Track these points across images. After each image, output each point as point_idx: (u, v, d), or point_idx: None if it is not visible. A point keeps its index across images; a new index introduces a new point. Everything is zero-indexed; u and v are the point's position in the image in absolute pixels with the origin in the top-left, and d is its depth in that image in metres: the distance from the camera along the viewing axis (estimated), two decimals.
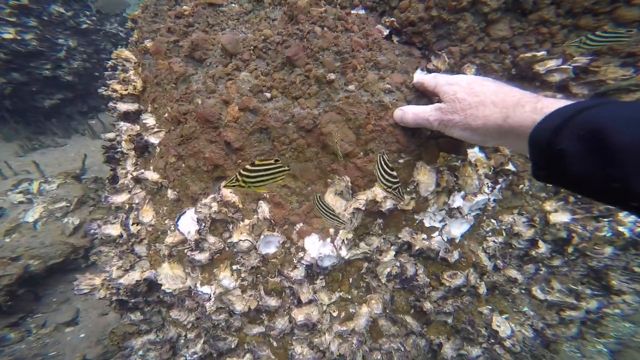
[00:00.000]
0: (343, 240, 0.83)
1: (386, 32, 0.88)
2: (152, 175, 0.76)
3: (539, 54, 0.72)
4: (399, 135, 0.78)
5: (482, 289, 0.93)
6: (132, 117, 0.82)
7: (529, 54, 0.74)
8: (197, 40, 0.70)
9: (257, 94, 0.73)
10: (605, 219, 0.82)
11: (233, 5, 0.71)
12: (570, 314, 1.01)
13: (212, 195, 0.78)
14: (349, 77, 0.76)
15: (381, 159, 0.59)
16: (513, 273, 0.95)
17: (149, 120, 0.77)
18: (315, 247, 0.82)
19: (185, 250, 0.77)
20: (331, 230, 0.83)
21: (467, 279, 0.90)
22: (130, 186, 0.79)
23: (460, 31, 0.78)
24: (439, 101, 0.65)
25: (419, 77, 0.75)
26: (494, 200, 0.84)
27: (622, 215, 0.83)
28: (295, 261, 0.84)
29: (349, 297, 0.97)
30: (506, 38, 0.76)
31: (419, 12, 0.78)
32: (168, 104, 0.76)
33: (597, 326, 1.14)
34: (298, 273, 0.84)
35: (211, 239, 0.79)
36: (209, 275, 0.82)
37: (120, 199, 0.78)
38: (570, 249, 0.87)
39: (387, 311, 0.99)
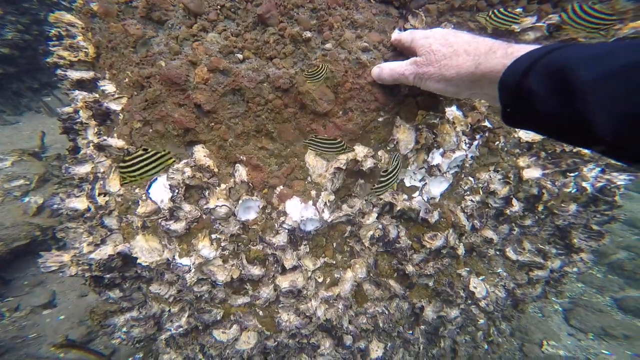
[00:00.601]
0: (325, 202, 0.83)
1: None
2: (116, 142, 0.71)
3: (517, 11, 0.72)
4: (378, 94, 0.77)
5: (461, 250, 0.97)
6: (87, 85, 0.75)
7: (504, 12, 0.74)
8: (153, 0, 0.64)
9: (227, 55, 0.69)
10: (571, 174, 0.87)
11: None
12: (537, 274, 1.09)
13: (184, 160, 0.74)
14: (326, 36, 0.73)
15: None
16: (489, 233, 0.99)
17: (108, 86, 0.71)
18: (297, 211, 0.81)
19: (160, 220, 0.74)
20: (313, 193, 0.83)
21: (447, 240, 0.94)
22: (94, 155, 0.74)
23: None
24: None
25: (397, 34, 0.74)
26: (472, 157, 0.86)
27: (585, 169, 0.89)
28: (277, 226, 0.83)
29: (334, 262, 0.99)
30: None
31: None
32: (128, 68, 0.71)
33: (558, 285, 1.24)
34: (280, 239, 0.84)
35: (186, 206, 0.76)
36: (187, 245, 0.80)
37: (83, 169, 0.73)
38: (540, 207, 0.92)
39: (371, 275, 1.02)
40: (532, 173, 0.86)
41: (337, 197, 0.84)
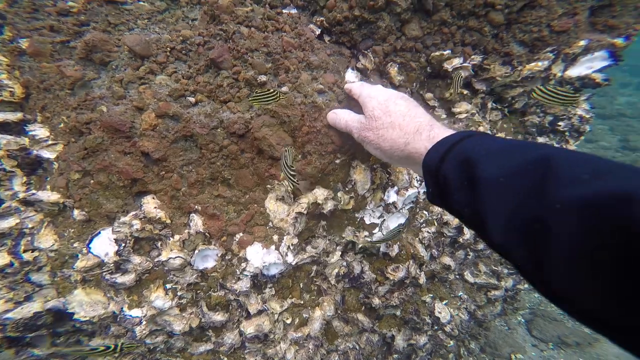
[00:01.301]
0: (289, 246, 0.82)
1: (318, 31, 0.90)
2: (49, 195, 0.64)
3: (445, 52, 0.82)
4: (334, 136, 0.80)
5: (422, 279, 1.01)
6: (14, 128, 0.68)
7: (437, 53, 0.83)
8: (93, 41, 0.61)
9: (178, 99, 0.67)
10: None
11: (142, 3, 0.64)
12: (495, 293, 1.16)
13: (133, 213, 0.69)
14: (282, 79, 0.76)
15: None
16: (447, 260, 1.05)
17: (39, 131, 0.65)
18: (259, 256, 0.79)
19: (104, 274, 0.68)
20: (275, 237, 0.81)
21: (409, 271, 0.98)
22: (21, 209, 0.66)
23: (381, 30, 0.84)
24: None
25: (348, 84, 0.78)
26: (424, 192, 0.92)
27: None
28: (238, 272, 0.80)
29: (301, 302, 0.97)
30: (418, 37, 0.85)
31: (343, 12, 0.82)
32: (63, 112, 0.66)
33: (514, 301, 1.33)
34: (243, 284, 0.81)
35: (136, 259, 0.71)
36: (137, 297, 0.74)
37: (5, 224, 0.64)
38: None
39: (339, 312, 1.02)
40: None
41: (300, 239, 0.84)
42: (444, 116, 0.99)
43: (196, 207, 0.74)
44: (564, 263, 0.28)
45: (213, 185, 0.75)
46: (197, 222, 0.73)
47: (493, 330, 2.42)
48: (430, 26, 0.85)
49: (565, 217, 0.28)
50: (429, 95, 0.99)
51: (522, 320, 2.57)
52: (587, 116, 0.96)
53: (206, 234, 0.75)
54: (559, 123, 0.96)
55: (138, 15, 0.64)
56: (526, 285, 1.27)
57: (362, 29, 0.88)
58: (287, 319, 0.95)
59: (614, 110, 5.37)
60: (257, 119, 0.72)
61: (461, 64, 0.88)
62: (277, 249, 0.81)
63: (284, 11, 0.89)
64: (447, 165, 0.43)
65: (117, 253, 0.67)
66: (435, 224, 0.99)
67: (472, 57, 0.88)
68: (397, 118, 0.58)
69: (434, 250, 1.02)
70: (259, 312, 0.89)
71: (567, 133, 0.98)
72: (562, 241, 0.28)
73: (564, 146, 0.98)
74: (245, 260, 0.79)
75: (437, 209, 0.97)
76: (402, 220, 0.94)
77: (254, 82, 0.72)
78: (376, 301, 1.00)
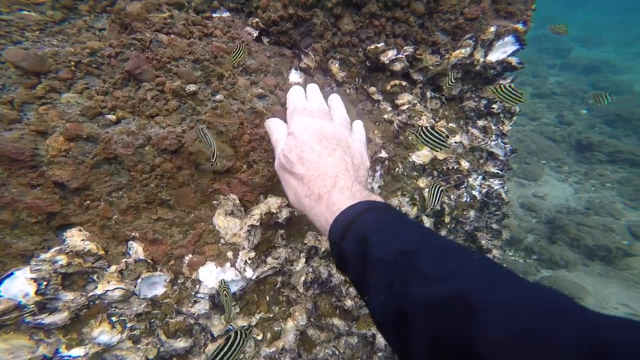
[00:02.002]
0: (245, 260, 0.78)
1: (255, 33, 0.88)
2: None
3: (379, 45, 0.84)
4: None
5: None
6: None
7: (372, 46, 0.85)
8: None
9: (94, 118, 0.61)
10: (462, 186, 1.02)
11: (27, 13, 0.58)
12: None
13: (56, 248, 0.61)
14: (215, 86, 0.72)
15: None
16: None
17: None
18: (213, 276, 0.75)
19: (25, 316, 0.59)
20: (229, 254, 0.77)
21: None
22: None
23: (317, 27, 0.84)
24: None
25: (286, 96, 0.76)
26: (379, 187, 0.93)
27: (471, 180, 1.05)
28: (193, 295, 0.75)
29: (271, 315, 0.92)
30: (353, 32, 0.86)
31: (278, 11, 0.81)
32: None
33: None
34: (200, 307, 0.76)
35: (68, 295, 0.63)
36: (77, 335, 0.65)
37: None
38: (447, 219, 1.03)
39: (312, 319, 0.99)
40: (440, 155, 0.97)
41: (258, 252, 0.80)
42: (389, 108, 1.02)
43: (133, 234, 0.67)
44: (423, 355, 0.30)
45: (150, 209, 0.69)
46: (136, 250, 0.67)
47: None
48: (362, 19, 0.87)
49: (418, 314, 0.31)
50: (372, 89, 1.01)
51: None
52: None
53: (148, 260, 0.68)
54: (493, 106, 1.03)
55: (23, 27, 0.57)
56: None
57: (300, 27, 0.87)
58: (258, 335, 0.90)
59: (547, 90, 6.01)
60: (190, 132, 0.67)
61: (396, 55, 0.91)
62: (233, 265, 0.77)
63: (214, 15, 0.86)
64: (347, 243, 0.44)
65: (39, 292, 0.59)
66: None
67: (405, 48, 0.92)
68: (308, 170, 0.55)
69: None
70: (226, 332, 0.83)
71: (501, 115, 1.05)
72: (418, 336, 0.31)
73: (500, 127, 1.05)
74: (199, 282, 0.74)
75: (394, 202, 0.99)
76: None
77: (182, 92, 0.68)
78: (349, 303, 0.99)
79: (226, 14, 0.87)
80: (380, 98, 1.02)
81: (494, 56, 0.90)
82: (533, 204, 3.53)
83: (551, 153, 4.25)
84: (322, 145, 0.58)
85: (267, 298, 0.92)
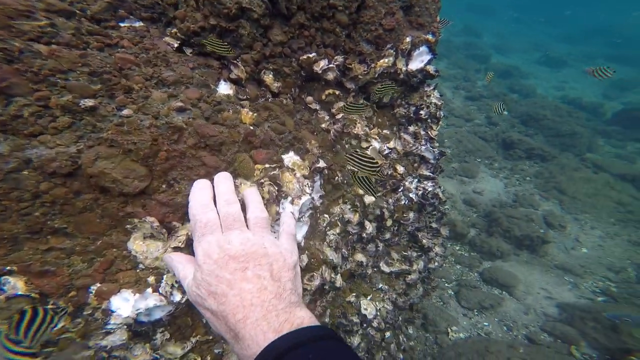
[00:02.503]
0: (172, 284, 0.69)
1: (176, 44, 0.83)
2: None
3: (311, 55, 0.85)
4: (205, 157, 0.73)
5: (340, 281, 1.01)
6: None
7: (305, 57, 0.86)
8: None
9: None
10: (399, 190, 1.07)
11: None
12: (411, 278, 1.26)
13: None
14: (121, 100, 0.65)
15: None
16: (359, 257, 1.08)
17: None
18: (129, 304, 0.66)
19: None
20: (151, 279, 0.68)
21: (323, 277, 0.96)
22: None
23: (245, 38, 0.82)
24: None
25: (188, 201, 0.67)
26: (320, 197, 0.92)
27: (407, 183, 1.11)
28: (103, 327, 0.65)
29: (210, 337, 0.84)
30: (284, 42, 0.86)
31: (198, 22, 0.77)
32: None
33: (431, 281, 1.47)
34: (115, 338, 0.66)
35: None
36: None
37: None
38: (388, 222, 1.07)
39: None
40: (370, 198, 1.00)
41: None
42: (327, 117, 1.03)
43: (9, 267, 0.55)
44: None
45: (37, 239, 0.58)
46: (14, 285, 0.55)
47: (430, 308, 2.69)
48: (292, 30, 0.88)
49: None
50: (309, 98, 1.02)
51: (452, 292, 2.93)
52: (439, 103, 1.15)
53: (33, 294, 0.57)
54: (421, 112, 1.11)
55: None
56: (435, 264, 1.42)
57: (225, 38, 0.84)
58: (195, 359, 0.81)
59: (476, 93, 6.86)
60: (88, 151, 0.58)
61: (328, 65, 0.93)
62: (155, 291, 0.68)
63: (122, 25, 0.78)
64: None
65: None
66: (339, 224, 1.01)
67: (335, 57, 0.95)
68: (219, 306, 0.49)
69: (344, 250, 1.04)
70: None
71: (428, 120, 1.14)
72: None
73: (428, 132, 1.14)
74: (111, 312, 0.64)
75: (336, 210, 0.99)
76: (305, 228, 0.92)
77: (75, 108, 0.59)
78: None
79: (138, 24, 0.80)
80: (317, 107, 1.03)
81: (414, 65, 0.98)
82: (473, 199, 3.93)
83: (484, 151, 4.83)
84: (231, 270, 0.52)
85: (204, 320, 0.84)
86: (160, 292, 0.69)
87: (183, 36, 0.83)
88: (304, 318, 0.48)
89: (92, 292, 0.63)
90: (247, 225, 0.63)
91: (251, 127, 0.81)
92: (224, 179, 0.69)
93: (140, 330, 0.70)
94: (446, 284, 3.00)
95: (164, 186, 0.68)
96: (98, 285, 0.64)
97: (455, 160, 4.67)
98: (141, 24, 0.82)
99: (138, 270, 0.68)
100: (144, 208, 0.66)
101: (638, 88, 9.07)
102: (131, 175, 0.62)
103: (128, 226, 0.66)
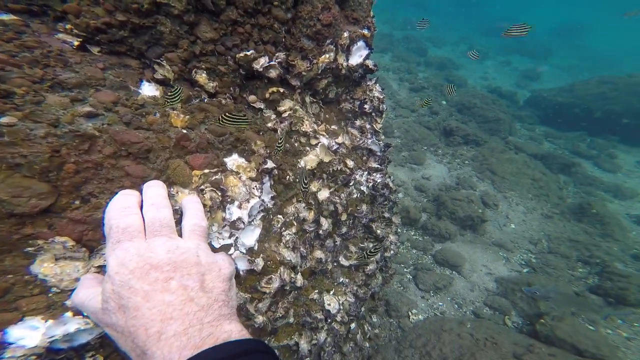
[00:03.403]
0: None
1: (76, 42, 0.70)
2: None
3: (249, 53, 0.80)
4: (129, 166, 0.64)
5: (300, 281, 1.00)
6: None
7: (242, 54, 0.81)
8: None
9: None
10: (350, 184, 1.09)
11: None
12: (370, 268, 1.30)
13: None
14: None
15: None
16: (318, 254, 1.08)
17: None
18: (39, 332, 0.56)
19: None
20: (69, 302, 0.59)
21: (282, 278, 0.93)
22: None
23: (166, 35, 0.74)
24: None
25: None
26: (272, 198, 0.89)
27: (357, 176, 1.14)
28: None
29: None
30: (215, 39, 0.80)
31: (100, 17, 0.66)
32: None
33: (388, 269, 1.54)
34: None
35: None
36: None
37: None
38: (343, 217, 1.08)
39: None
40: (323, 194, 1.00)
41: None
42: (273, 116, 0.99)
43: None
44: None
45: None
46: None
47: (392, 294, 2.85)
48: (223, 27, 0.81)
49: None
50: (252, 97, 0.97)
51: (410, 277, 3.15)
52: (382, 97, 1.20)
53: None
54: (365, 106, 1.14)
55: None
56: (391, 252, 1.49)
57: (142, 36, 0.75)
58: None
59: (418, 84, 7.42)
60: None
61: (269, 62, 0.90)
62: (78, 314, 0.59)
63: None
64: None
65: None
66: (295, 223, 0.99)
67: (277, 54, 0.91)
68: (128, 321, 0.43)
69: (302, 249, 1.02)
70: None
71: (373, 114, 1.18)
72: None
73: (373, 125, 1.18)
74: (6, 344, 0.53)
75: (290, 209, 0.97)
76: (257, 231, 0.88)
77: None
78: (260, 319, 0.92)
79: (6, 17, 0.66)
80: (262, 106, 0.99)
81: (354, 60, 0.99)
82: (423, 185, 4.28)
83: (429, 140, 5.27)
84: (150, 281, 0.45)
85: None
86: (85, 314, 0.60)
87: (83, 33, 0.71)
88: (232, 332, 0.44)
89: None
90: (180, 234, 0.57)
91: (184, 131, 0.74)
92: (154, 185, 0.61)
93: (57, 359, 0.60)
94: (405, 269, 3.21)
95: (77, 202, 0.58)
96: None
97: (404, 149, 5.01)
98: (12, 16, 0.67)
99: (51, 294, 0.58)
100: (51, 228, 0.56)
101: (541, 78, 10.80)
102: (25, 194, 0.51)
103: (30, 249, 0.55)
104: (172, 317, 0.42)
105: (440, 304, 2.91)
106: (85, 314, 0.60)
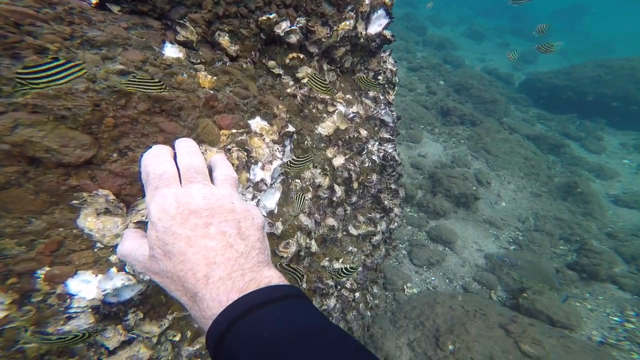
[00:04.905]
0: None
1: (95, 0, 0.69)
2: None
3: (271, 16, 0.80)
4: (163, 122, 0.65)
5: (314, 247, 1.05)
6: None
7: (264, 17, 0.80)
8: None
9: None
10: (363, 152, 1.13)
11: None
12: (376, 239, 1.37)
13: None
14: (32, 61, 0.52)
15: None
16: (331, 221, 1.13)
17: None
18: (92, 286, 0.60)
19: None
20: (113, 258, 0.62)
21: (299, 243, 0.99)
22: None
23: None
24: None
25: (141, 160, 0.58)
26: (289, 161, 0.92)
27: (370, 146, 1.18)
28: (63, 312, 0.58)
29: (187, 313, 0.82)
30: (239, 1, 0.79)
31: None
32: None
33: (392, 241, 1.61)
34: (80, 322, 0.61)
35: None
36: None
37: None
38: (355, 185, 1.13)
39: None
40: (338, 160, 1.04)
41: None
42: (292, 82, 1.00)
43: None
44: None
45: None
46: None
47: (388, 268, 2.99)
48: None
49: None
50: (271, 63, 0.97)
51: (405, 252, 3.28)
52: (394, 69, 1.20)
53: None
54: (379, 77, 1.15)
55: None
56: (395, 224, 1.56)
57: None
58: (174, 336, 0.80)
59: (417, 64, 7.30)
60: (2, 117, 0.47)
61: (290, 27, 0.89)
62: (121, 270, 0.63)
63: None
64: (221, 355, 0.39)
65: None
66: (311, 189, 1.03)
67: (298, 19, 0.90)
68: (175, 266, 0.45)
69: (316, 216, 1.07)
70: (127, 342, 0.70)
71: (386, 85, 1.19)
72: None
73: (387, 97, 1.19)
74: (69, 295, 0.58)
75: (307, 175, 1.00)
76: (278, 195, 0.92)
77: None
78: None
79: None
80: (281, 72, 0.98)
81: (373, 29, 0.99)
82: (419, 162, 4.36)
83: (426, 119, 5.30)
84: (191, 226, 0.46)
85: None
86: (127, 270, 0.64)
87: None
88: (272, 277, 0.46)
89: (39, 277, 0.55)
90: (213, 183, 0.58)
91: (211, 92, 0.75)
92: (185, 139, 0.63)
93: (108, 312, 0.65)
94: (400, 245, 3.34)
95: (115, 155, 0.60)
96: (47, 269, 0.55)
97: (402, 127, 5.03)
98: None
99: (96, 250, 0.61)
100: (94, 180, 0.58)
101: (537, 60, 10.76)
102: (71, 144, 0.53)
103: (75, 202, 0.57)
104: (215, 262, 0.44)
105: (432, 278, 3.08)
106: (127, 270, 0.64)
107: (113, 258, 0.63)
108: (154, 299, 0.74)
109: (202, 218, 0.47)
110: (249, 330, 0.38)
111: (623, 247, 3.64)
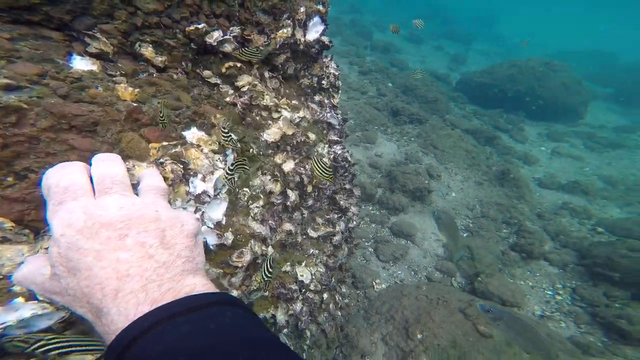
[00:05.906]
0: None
1: None
2: None
3: (200, 26, 0.76)
4: (75, 139, 0.58)
5: (271, 253, 1.02)
6: None
7: (192, 27, 0.77)
8: None
9: None
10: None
11: None
12: (336, 239, 1.38)
13: None
14: None
15: None
16: (287, 226, 1.12)
17: None
18: None
19: None
20: (17, 288, 0.53)
21: (254, 251, 0.95)
22: None
23: (97, 5, 0.66)
24: None
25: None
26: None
27: (319, 148, 1.19)
28: None
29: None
30: (160, 11, 0.74)
31: None
32: None
33: (352, 240, 1.65)
34: None
35: None
36: None
37: None
38: (309, 188, 1.13)
39: None
40: (289, 165, 1.03)
41: None
42: (231, 91, 0.97)
43: None
44: None
45: None
46: None
47: (357, 267, 3.04)
48: None
49: None
50: (207, 72, 0.93)
51: (371, 250, 3.38)
52: (337, 73, 1.24)
53: None
54: (322, 82, 1.18)
55: None
56: (354, 223, 1.60)
57: (61, 4, 0.65)
58: None
59: (367, 68, 7.71)
60: None
61: (223, 37, 0.86)
62: (31, 299, 0.54)
63: None
64: None
65: None
66: (262, 196, 1.00)
67: (231, 29, 0.88)
68: (80, 282, 0.40)
69: (271, 222, 1.04)
70: None
71: (330, 89, 1.22)
72: None
73: (331, 100, 1.22)
74: None
75: (257, 182, 0.98)
76: (224, 205, 0.87)
77: None
78: (235, 293, 0.93)
79: None
80: (218, 81, 0.95)
81: (311, 36, 1.01)
82: (376, 162, 4.57)
83: (379, 120, 5.59)
84: (101, 239, 0.41)
85: None
86: (41, 299, 0.54)
87: None
88: (195, 285, 0.42)
89: None
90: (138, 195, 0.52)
91: (134, 104, 0.68)
92: (105, 153, 0.55)
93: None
94: (366, 243, 3.44)
95: (9, 179, 0.51)
96: None
97: (358, 130, 5.23)
98: None
99: None
100: None
101: (466, 61, 12.10)
102: None
103: None
104: (128, 274, 0.39)
105: (399, 272, 3.22)
106: (41, 299, 0.54)
107: (18, 288, 0.53)
108: (83, 326, 0.64)
109: (116, 230, 0.42)
110: (153, 346, 0.34)
111: (549, 225, 4.20)
